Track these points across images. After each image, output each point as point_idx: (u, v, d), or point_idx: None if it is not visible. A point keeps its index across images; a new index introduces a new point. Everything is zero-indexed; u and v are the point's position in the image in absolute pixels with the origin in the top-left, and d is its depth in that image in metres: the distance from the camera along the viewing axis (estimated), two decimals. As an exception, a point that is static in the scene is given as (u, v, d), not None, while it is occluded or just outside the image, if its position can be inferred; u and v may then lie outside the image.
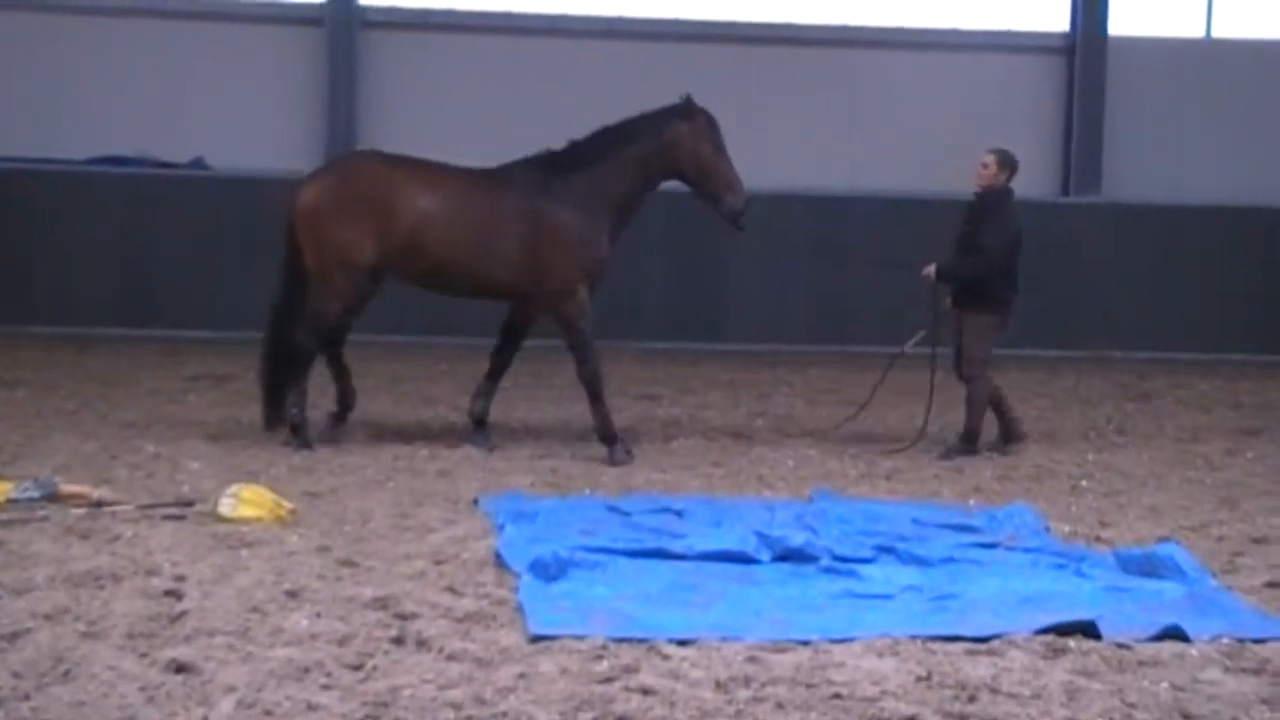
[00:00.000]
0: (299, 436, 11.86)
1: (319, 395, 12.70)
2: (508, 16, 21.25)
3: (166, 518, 9.14)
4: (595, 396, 12.00)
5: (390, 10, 21.21)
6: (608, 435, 11.92)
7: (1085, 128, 21.56)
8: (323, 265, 11.84)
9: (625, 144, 12.06)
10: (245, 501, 9.23)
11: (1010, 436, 12.56)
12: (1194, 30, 22.04)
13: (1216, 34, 22.05)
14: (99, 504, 9.27)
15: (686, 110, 12.09)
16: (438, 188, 11.92)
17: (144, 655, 6.53)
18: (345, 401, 12.39)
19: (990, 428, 12.51)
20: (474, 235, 11.84)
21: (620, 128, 12.16)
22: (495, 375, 12.34)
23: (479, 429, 12.17)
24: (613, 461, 11.69)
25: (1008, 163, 12.33)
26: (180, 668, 6.35)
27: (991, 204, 12.24)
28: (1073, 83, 21.66)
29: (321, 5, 20.96)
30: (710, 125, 12.08)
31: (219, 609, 7.24)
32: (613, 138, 12.11)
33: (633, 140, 12.07)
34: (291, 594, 7.55)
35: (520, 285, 12.00)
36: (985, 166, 12.30)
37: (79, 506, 9.19)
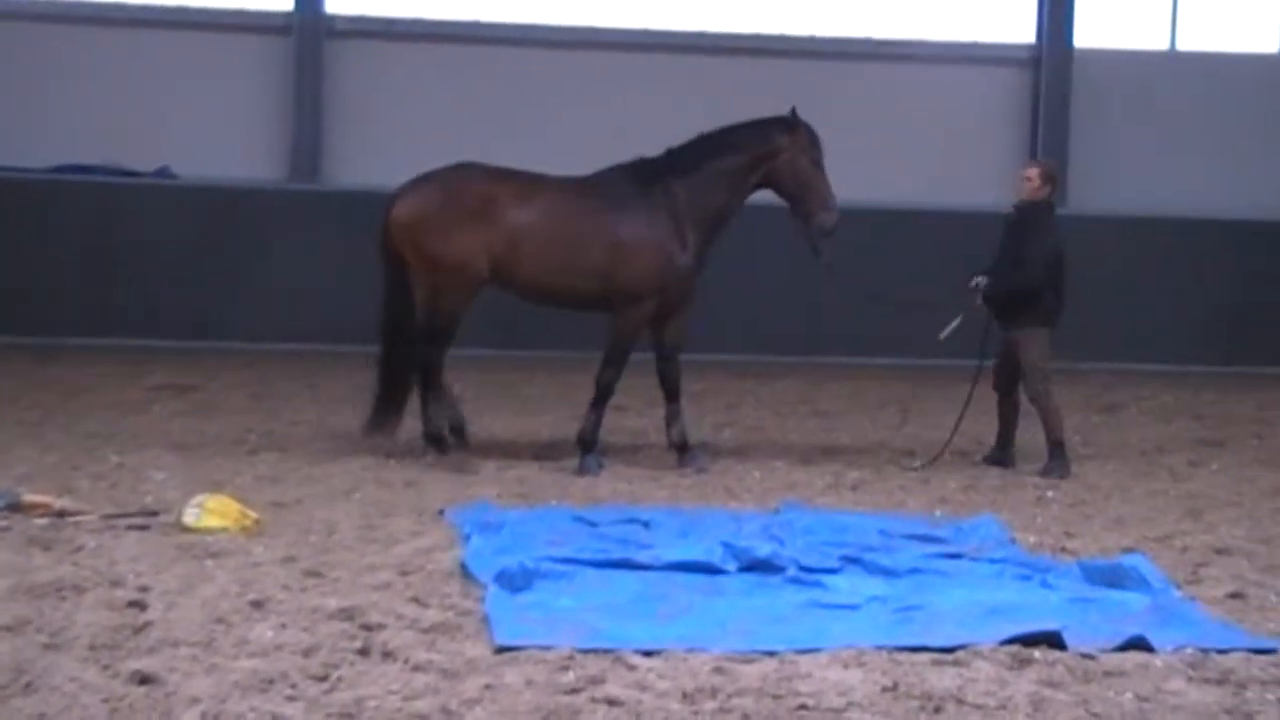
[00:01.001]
0: (439, 447, 11.79)
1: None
2: (475, 26, 21.25)
3: (130, 528, 9.09)
4: (598, 401, 11.95)
5: (357, 20, 21.18)
6: (587, 441, 11.88)
7: (1051, 139, 21.65)
8: (437, 277, 11.75)
9: (722, 154, 11.95)
10: (210, 511, 9.19)
11: (1004, 452, 12.52)
12: (1158, 43, 22.17)
13: (1181, 47, 22.17)
14: (62, 514, 9.22)
15: (789, 123, 11.98)
16: (536, 199, 11.84)
17: (107, 667, 6.48)
18: (458, 418, 12.25)
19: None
20: (566, 247, 11.77)
21: (719, 136, 12.04)
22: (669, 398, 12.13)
23: (684, 451, 12.05)
24: (580, 469, 11.67)
25: (1051, 176, 12.28)
26: (144, 679, 6.31)
27: (1032, 217, 12.13)
28: (1038, 94, 21.77)
29: (289, 14, 20.92)
30: (811, 140, 11.97)
31: (183, 620, 7.20)
32: (710, 147, 11.99)
33: (731, 150, 11.96)
34: (256, 605, 7.52)
35: (600, 293, 11.91)
36: (1029, 179, 12.20)
37: (41, 517, 9.14)
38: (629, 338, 11.96)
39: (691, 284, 12.03)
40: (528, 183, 12.04)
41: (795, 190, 11.97)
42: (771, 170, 11.97)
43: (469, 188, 11.86)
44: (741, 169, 11.95)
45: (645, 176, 11.96)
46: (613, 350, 12.00)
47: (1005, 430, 12.55)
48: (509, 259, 11.74)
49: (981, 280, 12.15)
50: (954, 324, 12.49)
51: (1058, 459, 12.15)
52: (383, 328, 12.05)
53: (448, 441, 11.90)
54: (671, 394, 12.09)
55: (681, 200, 11.85)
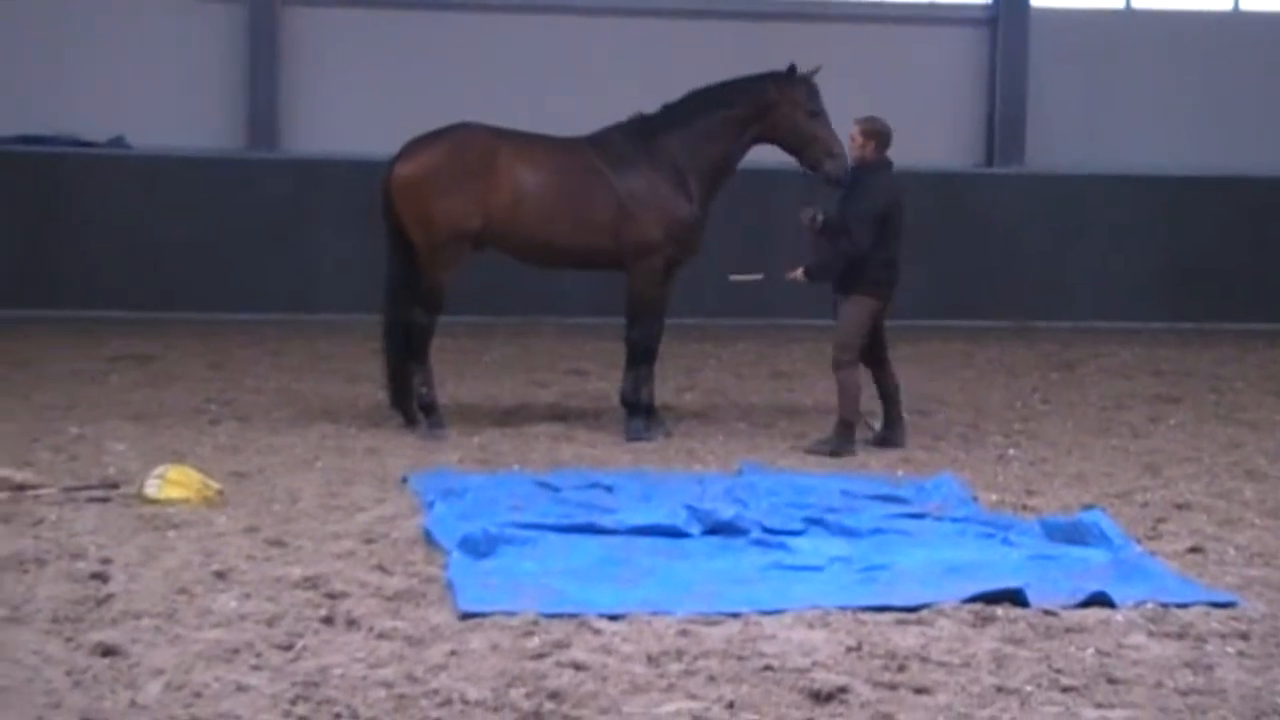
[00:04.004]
0: (431, 416, 11.76)
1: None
2: (434, -8, 21.11)
3: (91, 500, 9.05)
4: (634, 361, 11.92)
5: (313, -14, 21.01)
6: (629, 403, 11.89)
7: (1008, 99, 21.68)
8: (432, 237, 11.71)
9: (717, 108, 11.97)
10: (171, 482, 9.15)
11: (891, 430, 11.66)
12: (1115, 2, 22.18)
13: (1137, 5, 22.20)
14: (21, 487, 9.15)
15: (782, 77, 11.98)
16: (536, 157, 11.87)
17: (69, 639, 6.47)
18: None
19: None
20: (569, 204, 11.80)
21: (712, 91, 12.06)
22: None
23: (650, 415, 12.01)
24: (628, 433, 11.68)
25: (873, 133, 11.49)
26: (107, 651, 6.30)
27: (857, 180, 11.50)
28: (995, 54, 21.77)
29: (242, -19, 20.74)
30: (808, 92, 11.92)
31: (145, 591, 7.19)
32: (704, 102, 12.02)
33: (725, 104, 11.98)
34: (219, 575, 7.51)
35: (609, 250, 11.93)
36: (852, 139, 11.55)
37: (0, 490, 9.07)
38: (644, 293, 11.94)
39: (698, 235, 12.08)
40: (529, 141, 12.08)
41: (795, 143, 11.96)
42: (769, 124, 11.98)
43: (468, 145, 11.85)
44: (736, 122, 11.97)
45: (645, 132, 12.01)
46: (634, 308, 11.98)
47: (887, 407, 11.72)
48: (512, 217, 11.74)
49: (818, 215, 11.48)
50: (751, 277, 12.35)
51: (839, 437, 11.32)
52: (387, 298, 11.98)
53: (442, 413, 11.88)
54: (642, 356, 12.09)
55: (682, 154, 11.91)
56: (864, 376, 11.57)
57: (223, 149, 20.56)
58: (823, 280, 11.59)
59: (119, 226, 19.27)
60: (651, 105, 12.20)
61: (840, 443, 11.32)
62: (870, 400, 11.70)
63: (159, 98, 20.49)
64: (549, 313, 18.84)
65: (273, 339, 17.00)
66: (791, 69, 11.94)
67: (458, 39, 20.91)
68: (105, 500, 9.08)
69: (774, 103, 11.92)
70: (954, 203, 20.68)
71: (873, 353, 11.64)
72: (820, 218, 11.47)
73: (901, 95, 21.15)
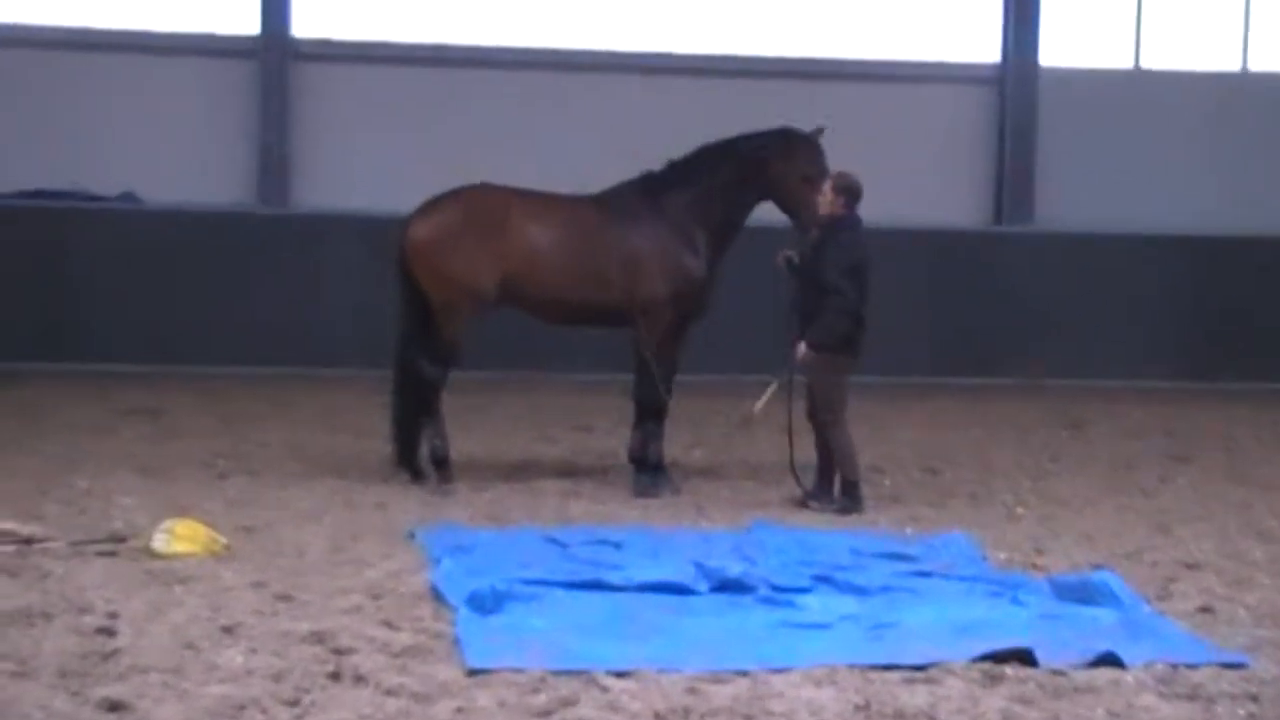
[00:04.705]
0: (443, 469, 11.84)
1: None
2: (441, 49, 21.21)
3: (99, 554, 9.05)
4: (642, 418, 11.96)
5: (323, 43, 21.13)
6: (635, 459, 11.94)
7: (1017, 157, 21.73)
8: (448, 297, 11.80)
9: (721, 165, 12.04)
10: (179, 536, 9.15)
11: (819, 490, 11.51)
12: (1123, 61, 22.27)
13: (1145, 65, 22.28)
14: (29, 541, 9.16)
15: (784, 135, 12.07)
16: (548, 215, 11.97)
17: (76, 694, 6.45)
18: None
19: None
20: (580, 262, 11.87)
21: (717, 148, 12.14)
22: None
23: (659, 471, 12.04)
24: (635, 489, 11.72)
25: (844, 189, 11.37)
26: (113, 706, 6.28)
27: (828, 236, 11.39)
28: (1004, 113, 21.83)
29: (254, 37, 20.86)
30: (809, 152, 11.95)
31: (153, 646, 7.17)
32: (710, 159, 12.09)
33: (729, 161, 12.04)
34: (226, 630, 7.49)
35: (619, 307, 11.99)
36: (823, 194, 11.41)
37: (8, 543, 9.07)
38: (654, 350, 11.95)
39: (707, 293, 12.10)
40: (540, 200, 12.17)
41: (789, 204, 11.99)
42: (766, 183, 12.02)
43: (482, 205, 11.94)
44: (740, 179, 12.02)
45: (653, 190, 12.08)
46: (640, 366, 12.02)
47: (823, 466, 11.58)
48: (526, 276, 11.81)
49: (792, 256, 11.54)
50: (768, 393, 11.85)
51: (847, 497, 11.30)
52: (399, 355, 12.03)
53: (453, 467, 11.93)
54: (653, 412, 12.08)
55: (690, 211, 11.96)
56: (810, 437, 11.56)
57: (233, 204, 20.65)
58: (830, 348, 11.30)
59: (129, 281, 19.33)
60: (661, 161, 12.26)
61: (849, 502, 11.30)
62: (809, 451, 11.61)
63: (170, 152, 20.58)
64: (558, 368, 18.84)
65: (282, 393, 17.01)
66: (791, 128, 12.04)
67: (467, 95, 21.00)
68: (112, 554, 9.07)
69: (771, 161, 11.96)
70: (963, 260, 20.74)
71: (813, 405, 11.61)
72: (793, 257, 11.50)
73: (910, 153, 21.29)
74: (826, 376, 11.39)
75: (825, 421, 11.39)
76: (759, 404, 11.85)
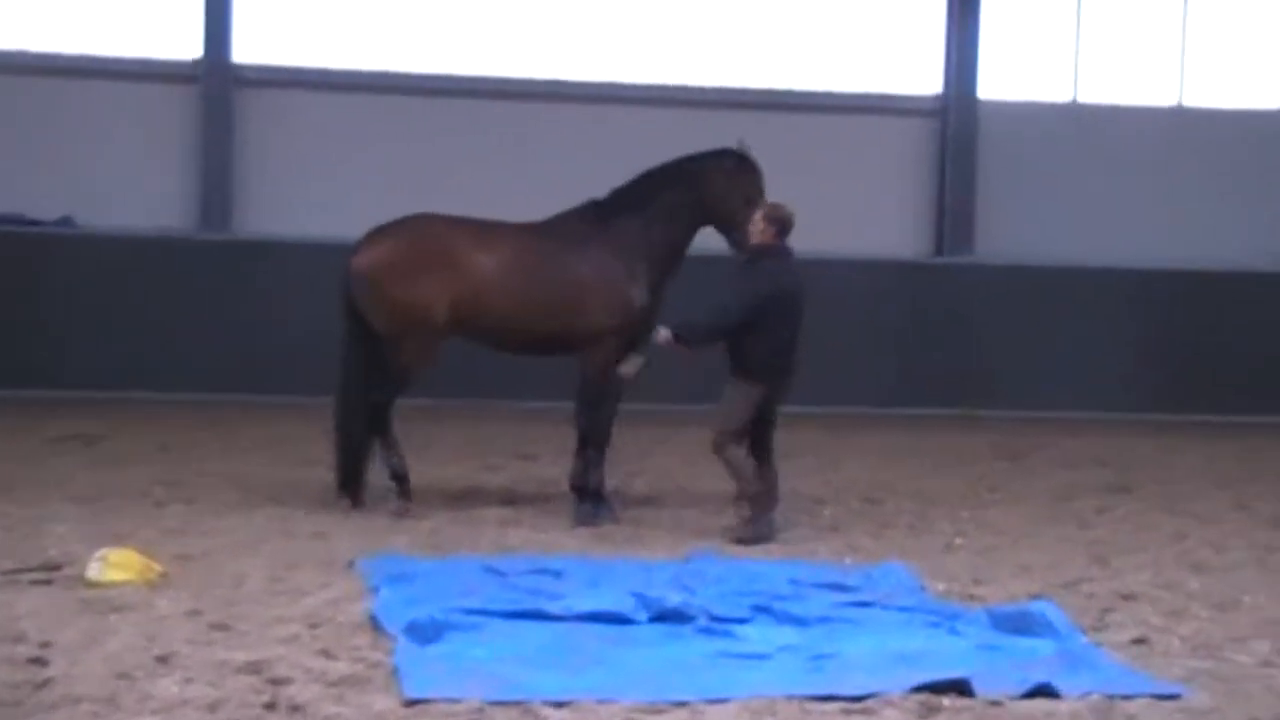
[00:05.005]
0: (402, 485, 11.89)
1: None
2: (384, 76, 21.20)
3: (33, 583, 8.96)
4: (584, 444, 11.94)
5: (265, 69, 21.07)
6: (579, 487, 11.91)
7: (958, 189, 21.90)
8: (396, 328, 11.77)
9: (665, 188, 12.04)
10: (114, 565, 9.08)
11: (759, 523, 11.36)
12: (1062, 95, 22.49)
13: (1083, 99, 22.51)
14: (-38, 569, 9.07)
15: (720, 155, 12.10)
16: (494, 244, 11.95)
17: (8, 724, 6.39)
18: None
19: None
20: (525, 291, 11.84)
21: (657, 174, 12.15)
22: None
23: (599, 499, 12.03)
24: (575, 518, 11.70)
25: (773, 219, 11.41)
26: (45, 737, 6.22)
27: (753, 262, 11.46)
28: (945, 145, 22.01)
29: (196, 62, 20.77)
30: (750, 174, 11.98)
31: (86, 676, 7.10)
32: (651, 185, 12.09)
33: (670, 186, 12.04)
34: (161, 659, 7.43)
35: (564, 336, 11.99)
36: (753, 223, 11.47)
37: (-59, 572, 8.98)
38: (595, 380, 11.95)
39: (651, 321, 11.99)
40: (486, 228, 12.15)
41: (723, 224, 12.00)
42: (707, 206, 12.02)
43: (429, 235, 11.92)
44: (681, 203, 12.02)
45: (597, 217, 12.08)
46: (585, 393, 12.01)
47: (762, 492, 11.48)
48: (474, 304, 11.80)
49: (667, 333, 11.47)
50: (636, 362, 11.92)
51: (756, 520, 11.25)
52: (344, 383, 11.98)
53: (409, 486, 11.95)
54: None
55: (633, 238, 11.95)
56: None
57: (174, 229, 20.54)
58: (695, 341, 11.48)
59: (67, 307, 19.20)
60: (605, 190, 12.27)
61: (759, 527, 11.26)
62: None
63: (110, 177, 20.46)
64: (503, 396, 18.83)
65: (222, 420, 16.92)
66: (734, 147, 12.07)
67: (411, 122, 20.98)
68: (47, 583, 8.99)
69: (715, 180, 11.99)
70: (904, 291, 20.89)
71: (758, 443, 11.57)
72: (666, 333, 11.41)
73: (852, 184, 21.46)
74: (732, 396, 11.37)
75: (716, 442, 11.37)
76: (625, 367, 11.86)
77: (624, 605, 8.57)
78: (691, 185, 12.05)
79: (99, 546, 9.48)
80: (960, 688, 7.24)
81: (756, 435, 11.52)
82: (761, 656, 7.89)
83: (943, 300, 20.92)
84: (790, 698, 7.09)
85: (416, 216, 12.18)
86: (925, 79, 22.23)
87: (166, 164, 20.72)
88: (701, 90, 21.56)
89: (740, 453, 11.39)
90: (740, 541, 11.13)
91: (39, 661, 7.31)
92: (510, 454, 15.14)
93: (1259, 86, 22.73)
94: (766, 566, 10.18)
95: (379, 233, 12.11)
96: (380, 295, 11.76)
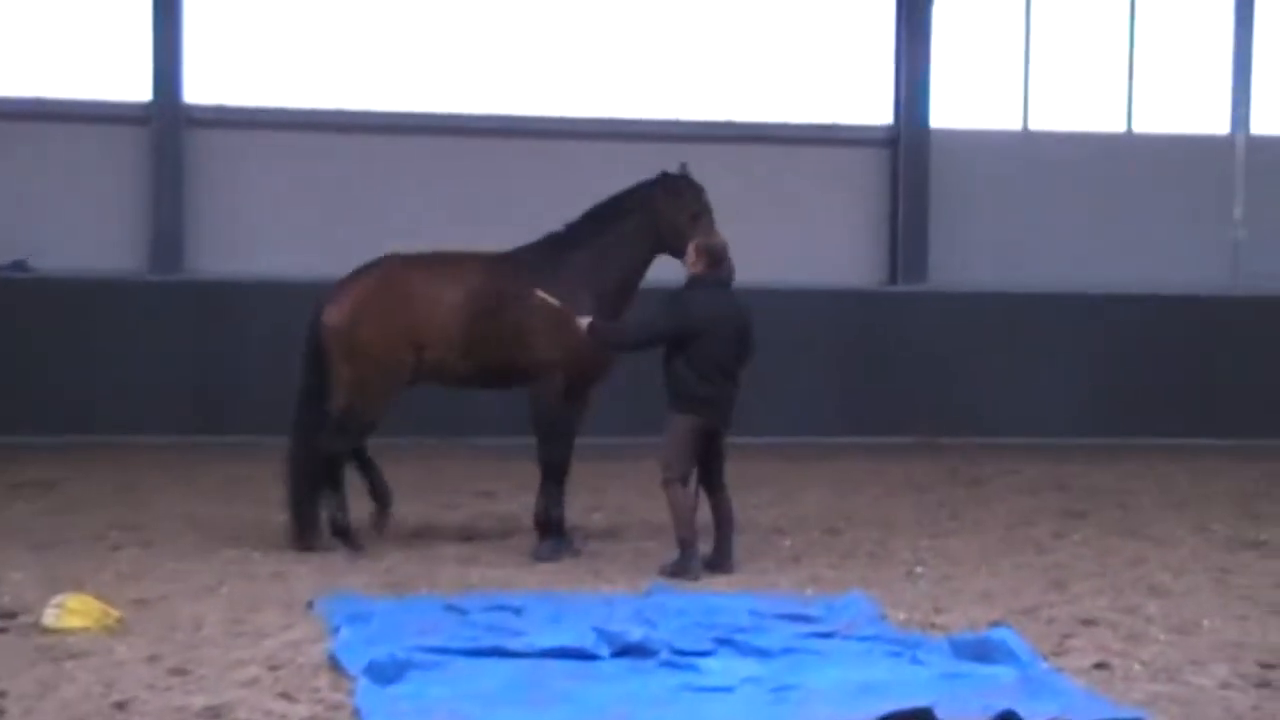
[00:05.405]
0: (348, 540, 11.82)
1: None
2: (338, 115, 21.17)
3: (-12, 631, 8.88)
4: (547, 478, 11.92)
5: (217, 109, 21.02)
6: (542, 522, 11.88)
7: (910, 218, 22.00)
8: (368, 376, 11.80)
9: (614, 220, 12.06)
10: (71, 611, 9.00)
11: (719, 555, 11.40)
12: (1012, 123, 22.64)
13: (1033, 126, 22.67)
14: (-84, 619, 8.98)
15: (666, 177, 12.14)
16: (453, 280, 11.98)
17: (-36, 775, 6.32)
18: (384, 497, 12.20)
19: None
20: (483, 326, 11.86)
21: (609, 204, 12.18)
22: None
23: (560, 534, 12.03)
24: (536, 555, 11.68)
25: (705, 251, 11.40)
26: (2, 787, 6.16)
27: (682, 291, 11.48)
28: (897, 174, 22.12)
29: (147, 104, 20.70)
30: (691, 190, 12.02)
31: (43, 724, 7.04)
32: (603, 216, 12.13)
33: (620, 216, 12.07)
34: (119, 705, 7.37)
35: (518, 370, 11.99)
36: (687, 254, 11.54)
37: (-105, 621, 8.89)
38: (547, 412, 11.95)
39: (604, 354, 11.97)
40: (444, 264, 12.20)
41: (673, 245, 11.93)
42: (657, 230, 12.02)
43: (396, 281, 11.97)
44: (631, 233, 12.03)
45: (554, 251, 12.08)
46: (539, 427, 12.00)
47: (718, 531, 11.55)
48: (440, 344, 11.86)
49: (584, 323, 11.53)
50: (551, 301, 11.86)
51: (682, 557, 11.22)
52: (299, 427, 11.96)
53: (358, 536, 11.91)
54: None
55: (588, 271, 11.94)
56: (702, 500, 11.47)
57: (126, 271, 20.45)
58: (608, 340, 11.62)
59: (21, 350, 19.09)
60: (560, 224, 12.28)
61: (682, 563, 11.21)
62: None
63: (61, 219, 20.37)
64: (460, 433, 18.79)
65: (178, 463, 16.82)
66: (677, 170, 12.14)
67: (364, 161, 20.97)
68: (2, 631, 8.91)
69: (660, 202, 12.03)
70: (858, 320, 20.98)
71: (708, 476, 11.57)
72: (584, 322, 11.48)
73: (805, 215, 21.56)
74: (670, 429, 11.35)
75: (664, 479, 11.34)
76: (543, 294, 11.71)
77: (586, 640, 8.55)
78: (637, 210, 12.07)
79: (55, 593, 9.40)
80: (923, 716, 7.24)
81: (705, 467, 11.52)
82: (725, 689, 7.88)
83: (897, 328, 21.01)
84: (754, 730, 7.08)
85: (377, 262, 12.20)
86: (876, 109, 22.35)
87: (119, 206, 20.64)
88: (654, 123, 21.60)
89: (686, 491, 11.36)
90: (664, 573, 11.12)
91: (-5, 710, 7.25)
92: (470, 491, 15.10)
93: (1206, 111, 22.94)
94: (727, 599, 10.17)
95: (343, 285, 12.16)
96: (352, 347, 11.80)
